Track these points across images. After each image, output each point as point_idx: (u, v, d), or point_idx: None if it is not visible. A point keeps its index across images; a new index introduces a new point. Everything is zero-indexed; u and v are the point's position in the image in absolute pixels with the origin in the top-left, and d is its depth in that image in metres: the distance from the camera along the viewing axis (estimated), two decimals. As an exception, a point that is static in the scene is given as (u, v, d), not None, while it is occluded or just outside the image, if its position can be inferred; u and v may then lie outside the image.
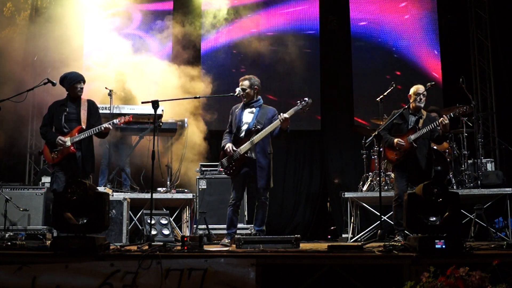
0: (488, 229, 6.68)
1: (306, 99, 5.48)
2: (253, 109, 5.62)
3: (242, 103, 5.69)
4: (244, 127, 5.56)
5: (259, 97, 5.70)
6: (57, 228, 4.45)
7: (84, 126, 5.64)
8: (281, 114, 5.40)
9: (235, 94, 5.62)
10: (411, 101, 5.90)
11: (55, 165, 5.65)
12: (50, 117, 5.75)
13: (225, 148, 5.51)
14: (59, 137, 5.56)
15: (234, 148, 5.47)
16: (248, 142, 5.45)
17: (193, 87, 8.39)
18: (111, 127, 5.64)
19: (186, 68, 8.54)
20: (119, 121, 5.75)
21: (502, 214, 7.23)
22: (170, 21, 9.08)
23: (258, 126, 5.48)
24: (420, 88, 5.86)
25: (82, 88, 5.73)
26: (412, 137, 5.75)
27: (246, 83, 5.62)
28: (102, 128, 5.59)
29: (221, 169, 5.81)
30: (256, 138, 5.45)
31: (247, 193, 6.95)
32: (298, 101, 5.52)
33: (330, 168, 9.25)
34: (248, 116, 5.60)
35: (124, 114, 7.30)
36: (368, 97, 8.82)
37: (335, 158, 9.29)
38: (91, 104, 5.83)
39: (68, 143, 5.54)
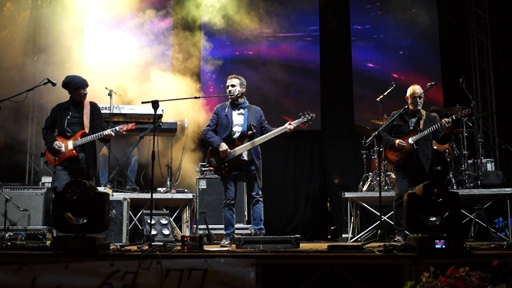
0: (488, 229, 6.67)
1: (311, 113, 5.64)
2: (242, 110, 5.67)
3: (229, 103, 5.71)
4: (237, 129, 5.59)
5: (244, 97, 5.77)
6: (57, 228, 4.46)
7: (87, 130, 5.66)
8: (289, 124, 5.51)
9: (235, 94, 5.62)
10: (409, 102, 5.89)
11: (57, 166, 5.67)
12: (53, 121, 5.78)
13: (222, 148, 5.47)
14: (56, 142, 5.60)
15: (229, 150, 5.47)
16: (248, 144, 5.47)
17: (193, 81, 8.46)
18: (113, 134, 5.66)
19: (187, 60, 8.58)
20: (121, 128, 5.74)
21: (502, 214, 7.23)
22: (170, 17, 9.10)
23: (253, 130, 5.55)
24: (416, 90, 5.83)
25: (85, 94, 5.76)
26: (414, 138, 5.74)
27: (237, 81, 5.68)
28: (103, 134, 5.62)
29: (211, 168, 5.81)
30: (258, 140, 5.51)
31: (247, 194, 6.96)
32: (301, 114, 5.65)
33: (330, 168, 9.24)
34: (238, 118, 5.64)
35: (124, 114, 7.38)
36: (368, 97, 8.83)
37: (335, 158, 9.29)
38: (94, 107, 5.85)
39: (71, 147, 5.57)
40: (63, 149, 5.56)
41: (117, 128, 5.73)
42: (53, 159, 5.64)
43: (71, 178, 5.53)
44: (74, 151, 5.57)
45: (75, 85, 5.69)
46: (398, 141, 5.75)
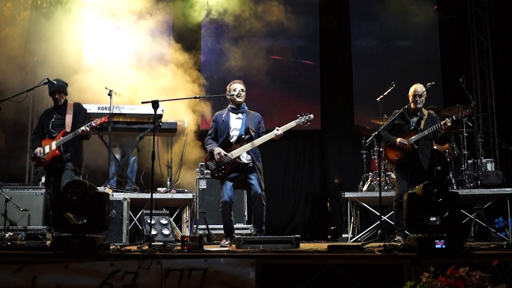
0: (488, 229, 6.67)
1: (308, 114, 5.59)
2: (240, 115, 5.63)
3: (227, 109, 5.68)
4: (234, 133, 5.55)
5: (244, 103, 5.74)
6: (57, 228, 4.47)
7: (68, 130, 5.88)
8: (277, 129, 5.42)
9: (235, 94, 5.59)
10: (410, 101, 5.89)
11: (46, 169, 5.99)
12: (40, 126, 6.07)
13: (217, 153, 5.43)
14: (38, 148, 5.87)
15: (225, 153, 5.44)
16: (247, 145, 5.44)
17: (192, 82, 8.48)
18: (88, 129, 5.86)
19: (186, 57, 8.63)
20: (95, 122, 5.94)
21: (502, 214, 7.23)
22: (170, 14, 9.12)
23: (252, 133, 5.51)
24: (418, 89, 5.83)
25: (57, 98, 5.98)
26: (414, 138, 5.73)
27: (244, 86, 5.68)
28: (80, 131, 5.81)
29: (207, 171, 5.82)
30: (257, 141, 5.47)
31: (247, 195, 6.96)
32: (299, 115, 5.59)
33: (330, 168, 9.25)
34: (236, 122, 5.61)
35: (124, 114, 7.40)
36: (368, 97, 8.83)
37: (335, 158, 9.29)
38: (77, 108, 6.07)
39: (54, 147, 5.83)
40: (46, 151, 5.83)
41: (92, 123, 5.91)
42: (40, 161, 5.90)
43: (60, 181, 5.78)
44: (57, 151, 5.84)
45: (49, 91, 6.01)
46: (400, 140, 5.74)
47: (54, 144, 5.84)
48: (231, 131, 5.57)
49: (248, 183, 5.51)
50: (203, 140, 5.98)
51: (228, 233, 5.55)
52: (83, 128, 5.81)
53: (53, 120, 5.96)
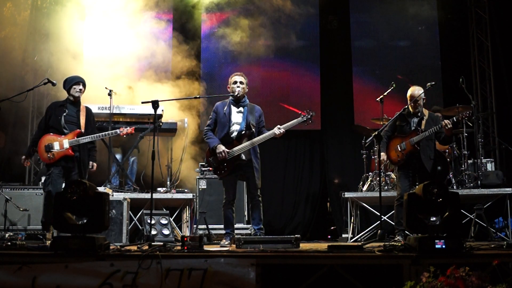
0: (488, 229, 6.67)
1: (311, 111, 5.54)
2: (241, 108, 5.57)
3: (228, 101, 5.60)
4: (235, 128, 5.50)
5: (245, 96, 5.68)
6: (57, 228, 4.47)
7: (83, 131, 5.75)
8: (279, 128, 5.38)
9: (235, 94, 5.54)
10: (408, 103, 5.89)
11: (51, 165, 5.69)
12: (47, 120, 5.81)
13: (218, 150, 5.39)
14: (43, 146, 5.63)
15: (228, 150, 5.40)
16: (247, 143, 5.41)
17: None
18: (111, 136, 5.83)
19: (185, 50, 8.67)
20: (121, 131, 5.88)
21: (502, 214, 7.23)
22: (170, 13, 9.14)
23: (252, 129, 5.46)
24: (415, 91, 5.80)
25: (80, 90, 5.82)
26: (415, 139, 5.72)
27: (244, 79, 5.59)
28: (104, 136, 5.75)
29: (210, 168, 5.77)
30: (257, 141, 5.44)
31: (247, 194, 6.96)
32: (301, 113, 5.55)
33: (330, 168, 9.25)
34: (237, 116, 5.54)
35: (124, 114, 7.40)
36: (368, 97, 8.83)
37: (335, 158, 9.29)
38: (89, 112, 5.97)
39: (67, 145, 5.63)
40: (56, 147, 5.61)
41: (118, 131, 5.84)
42: (47, 156, 5.65)
43: (62, 180, 5.64)
44: (70, 150, 5.64)
45: (70, 81, 5.80)
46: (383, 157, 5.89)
47: (67, 143, 5.62)
48: (232, 126, 5.50)
49: (246, 179, 5.52)
50: (203, 140, 5.95)
51: (227, 227, 5.51)
52: (107, 133, 5.75)
53: (65, 114, 5.74)
